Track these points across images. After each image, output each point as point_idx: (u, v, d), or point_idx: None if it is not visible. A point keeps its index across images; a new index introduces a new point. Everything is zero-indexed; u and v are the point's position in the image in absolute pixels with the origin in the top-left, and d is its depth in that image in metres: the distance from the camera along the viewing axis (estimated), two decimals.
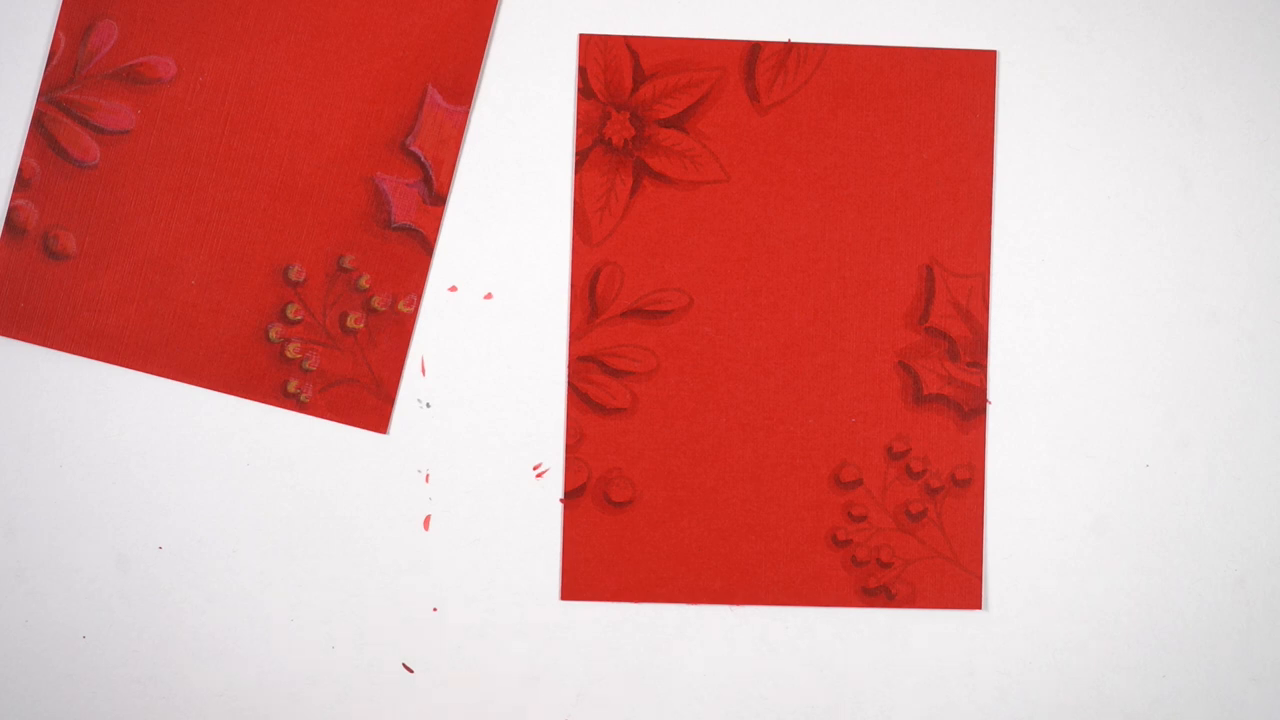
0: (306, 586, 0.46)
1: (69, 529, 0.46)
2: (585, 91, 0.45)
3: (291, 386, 0.46)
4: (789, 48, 0.45)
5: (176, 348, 0.45)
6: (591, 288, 0.45)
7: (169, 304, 0.45)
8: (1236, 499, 0.46)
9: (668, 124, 0.45)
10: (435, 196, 0.45)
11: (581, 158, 0.45)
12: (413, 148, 0.45)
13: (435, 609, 0.46)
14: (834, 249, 0.45)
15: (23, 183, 0.45)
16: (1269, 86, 0.46)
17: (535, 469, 0.46)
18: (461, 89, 0.45)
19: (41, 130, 0.45)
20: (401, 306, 0.46)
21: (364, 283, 0.45)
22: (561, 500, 0.46)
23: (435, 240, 0.46)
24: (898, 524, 0.46)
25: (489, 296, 0.46)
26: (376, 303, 0.46)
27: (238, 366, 0.45)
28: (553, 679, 0.46)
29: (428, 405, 0.46)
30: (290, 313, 0.45)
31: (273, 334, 0.45)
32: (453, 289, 0.46)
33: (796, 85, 0.45)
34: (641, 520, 0.46)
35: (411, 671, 0.46)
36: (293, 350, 0.46)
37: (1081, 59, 0.46)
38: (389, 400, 0.46)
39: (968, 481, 0.46)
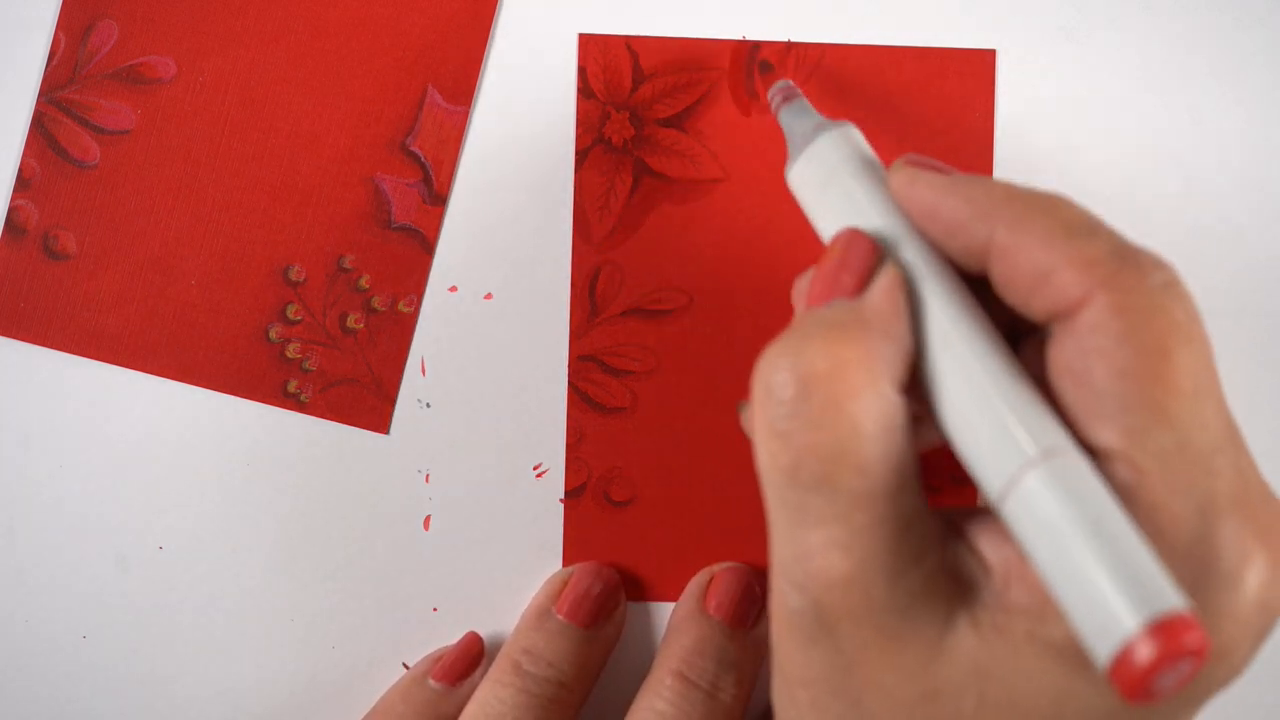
0: (306, 586, 0.46)
1: (69, 529, 0.46)
2: (585, 91, 0.45)
3: (291, 386, 0.46)
4: (788, 47, 0.45)
5: (176, 348, 0.45)
6: (591, 287, 0.45)
7: (169, 304, 0.45)
8: None
9: (667, 123, 0.45)
10: (435, 196, 0.45)
11: (581, 157, 0.45)
12: (413, 148, 0.45)
13: (435, 609, 0.46)
14: None
15: (23, 183, 0.45)
16: (1269, 86, 0.46)
17: (535, 469, 0.46)
18: (461, 89, 0.45)
19: (41, 130, 0.45)
20: (401, 306, 0.46)
21: (364, 283, 0.45)
22: (561, 500, 0.46)
23: (435, 240, 0.46)
24: None
25: (489, 296, 0.46)
26: (376, 303, 0.46)
27: (238, 366, 0.45)
28: None
29: (428, 405, 0.46)
30: (290, 313, 0.45)
31: (273, 334, 0.45)
32: (453, 289, 0.46)
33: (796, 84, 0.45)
34: (641, 519, 0.46)
35: None
36: (293, 350, 0.46)
37: (1081, 59, 0.46)
38: (389, 400, 0.46)
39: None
